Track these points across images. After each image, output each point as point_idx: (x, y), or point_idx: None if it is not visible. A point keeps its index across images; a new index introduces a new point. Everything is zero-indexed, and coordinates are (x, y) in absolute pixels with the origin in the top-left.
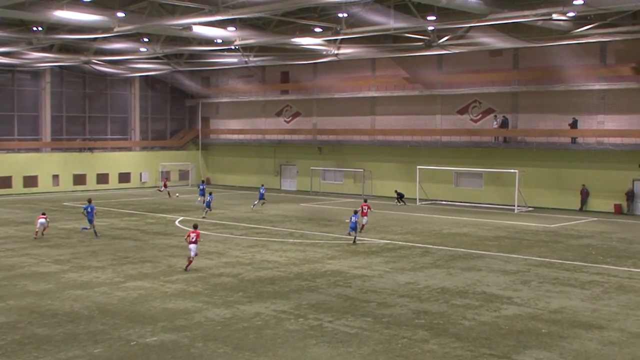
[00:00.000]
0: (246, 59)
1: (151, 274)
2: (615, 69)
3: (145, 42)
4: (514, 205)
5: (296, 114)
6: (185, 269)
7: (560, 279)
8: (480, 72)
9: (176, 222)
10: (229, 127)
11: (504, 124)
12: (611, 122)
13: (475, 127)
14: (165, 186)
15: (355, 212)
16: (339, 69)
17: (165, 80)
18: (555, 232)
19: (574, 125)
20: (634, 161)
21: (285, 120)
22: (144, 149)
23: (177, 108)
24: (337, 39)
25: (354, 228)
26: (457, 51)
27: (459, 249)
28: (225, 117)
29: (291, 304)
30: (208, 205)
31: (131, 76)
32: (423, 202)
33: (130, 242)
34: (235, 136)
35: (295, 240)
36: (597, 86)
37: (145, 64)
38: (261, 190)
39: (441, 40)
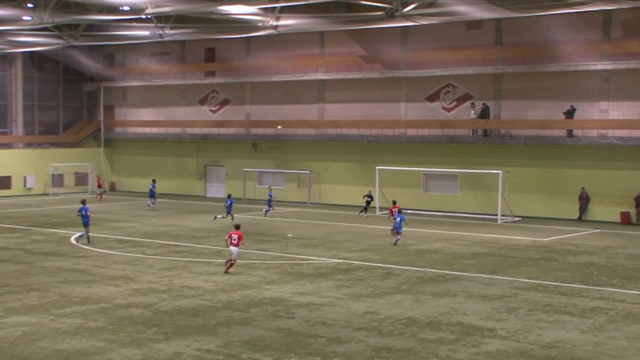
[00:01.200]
0: (161, 32)
1: (39, 305)
2: (622, 45)
3: (30, 8)
4: (497, 215)
5: (225, 102)
6: (226, 272)
7: (555, 305)
8: (455, 49)
9: (72, 239)
10: (139, 119)
11: (485, 114)
12: (617, 110)
13: (448, 117)
14: (99, 186)
15: (400, 211)
16: (278, 45)
17: (57, 59)
18: (548, 248)
19: (570, 114)
20: None
21: (211, 110)
22: (28, 145)
23: (72, 94)
24: (275, 7)
25: (399, 229)
26: (425, 23)
27: (429, 270)
28: (135, 106)
29: (219, 341)
30: (229, 211)
31: (11, 52)
32: (384, 212)
33: (11, 265)
34: (147, 129)
35: (225, 261)
36: (599, 66)
37: (30, 36)
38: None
39: (406, 9)
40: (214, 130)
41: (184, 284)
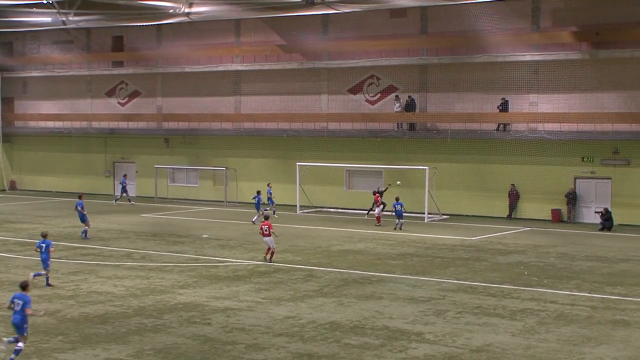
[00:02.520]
0: (64, 19)
1: None
2: (552, 35)
3: None
4: (424, 213)
5: (134, 94)
6: (270, 261)
7: (485, 307)
8: (379, 39)
9: None
10: (41, 112)
11: (410, 107)
12: (546, 103)
13: (372, 110)
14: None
15: (397, 199)
16: (191, 34)
17: None
18: (477, 247)
19: (504, 107)
20: (576, 154)
21: (119, 103)
22: None
23: None
24: None
25: (400, 215)
26: (347, 11)
27: (352, 271)
28: (36, 98)
29: (130, 350)
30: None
31: None
32: (305, 211)
33: None
34: (50, 124)
35: (135, 264)
36: (528, 57)
37: None
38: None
39: None
40: (123, 125)
41: (91, 289)
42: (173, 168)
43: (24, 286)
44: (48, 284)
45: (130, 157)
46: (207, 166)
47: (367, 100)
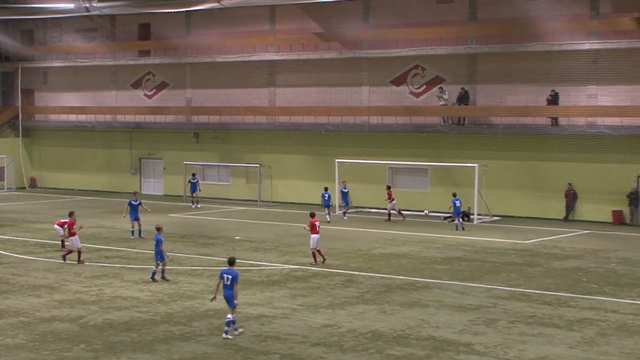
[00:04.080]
0: (87, 5)
1: None
2: (612, 21)
3: None
4: (473, 214)
5: (162, 86)
6: (324, 261)
7: (539, 316)
8: (424, 26)
9: None
10: (63, 104)
11: (463, 99)
12: (606, 95)
13: (417, 103)
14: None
15: (455, 195)
16: (222, 21)
17: None
18: (530, 251)
19: (553, 100)
20: (639, 150)
21: (145, 95)
22: None
23: None
24: None
25: (458, 213)
26: None
27: (396, 277)
28: (58, 90)
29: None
30: (327, 206)
31: None
32: (345, 211)
33: None
34: (72, 117)
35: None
36: (586, 45)
37: None
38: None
39: None
40: (150, 118)
41: (115, 293)
42: (203, 165)
43: (232, 261)
44: (163, 277)
45: (157, 153)
46: (239, 163)
47: (411, 92)
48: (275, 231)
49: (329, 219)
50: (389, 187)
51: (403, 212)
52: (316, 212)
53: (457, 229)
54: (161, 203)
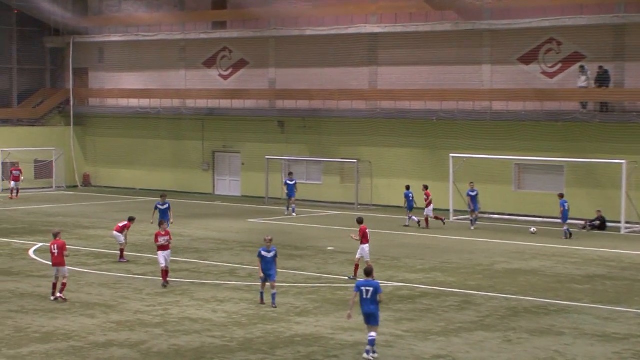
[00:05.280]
0: None
1: None
2: None
3: None
4: (620, 222)
5: (240, 64)
6: (354, 276)
7: None
8: None
9: (30, 252)
10: (121, 87)
11: (602, 81)
12: None
13: (550, 85)
14: (15, 178)
15: (562, 196)
16: None
17: (8, 3)
18: None
19: None
20: None
21: (221, 75)
22: None
23: (30, 52)
24: None
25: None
26: None
27: (523, 298)
28: (116, 69)
29: None
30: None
31: None
32: (460, 217)
33: None
34: (133, 102)
35: (240, 283)
36: None
37: None
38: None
39: None
40: (226, 103)
41: (184, 314)
42: (289, 160)
43: (370, 272)
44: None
45: (234, 146)
46: (333, 158)
47: (543, 72)
48: (376, 241)
49: (408, 223)
50: (426, 187)
51: (415, 218)
52: (390, 217)
53: (565, 237)
54: (238, 206)
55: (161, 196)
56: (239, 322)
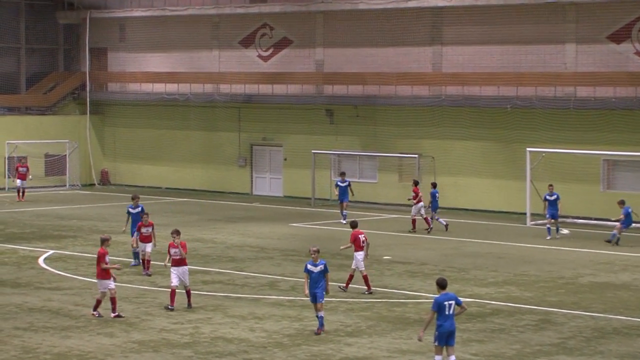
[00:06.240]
0: None
1: None
2: None
3: None
4: None
5: (282, 43)
6: (368, 292)
7: None
8: None
9: (40, 261)
10: (145, 69)
11: None
12: None
13: None
14: (21, 176)
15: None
16: None
17: None
18: None
19: None
20: None
21: (260, 56)
22: None
23: (40, 29)
24: None
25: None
26: None
27: (613, 316)
28: (139, 49)
29: None
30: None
31: None
32: (539, 222)
33: None
34: (158, 87)
35: (282, 297)
36: None
37: None
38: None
39: None
40: (265, 89)
41: (216, 333)
42: (339, 154)
43: (445, 284)
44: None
45: (275, 138)
46: (389, 152)
47: (637, 53)
48: (439, 249)
49: (431, 226)
50: (416, 184)
51: (443, 221)
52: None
53: (613, 242)
54: (280, 208)
55: (133, 198)
56: (280, 342)
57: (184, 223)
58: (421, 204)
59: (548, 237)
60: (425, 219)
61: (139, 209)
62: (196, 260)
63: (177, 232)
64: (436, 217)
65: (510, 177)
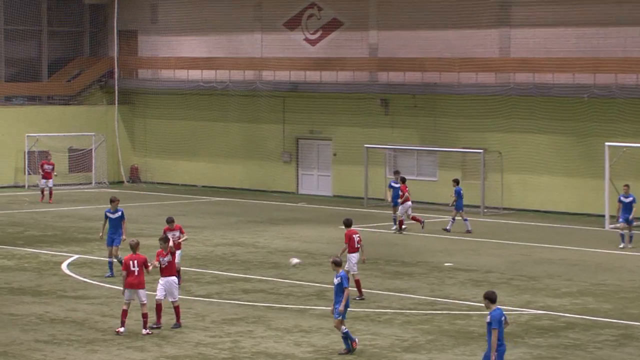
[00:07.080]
0: None
1: None
2: None
3: None
4: None
5: (332, 25)
6: (360, 297)
7: None
8: None
9: (63, 266)
10: (179, 54)
11: None
12: None
13: None
14: (46, 175)
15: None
16: None
17: None
18: None
19: None
20: None
21: (307, 39)
22: None
23: (63, 10)
24: None
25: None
26: None
27: None
28: (172, 32)
29: None
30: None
31: None
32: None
33: None
34: (194, 74)
35: (330, 308)
36: None
37: None
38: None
39: None
40: (313, 76)
41: (258, 347)
42: (395, 149)
43: (495, 298)
44: (349, 346)
45: (324, 131)
46: (451, 147)
47: None
48: (507, 255)
49: (449, 227)
50: (403, 180)
51: (469, 224)
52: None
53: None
54: (329, 208)
55: (111, 201)
56: (328, 358)
57: (222, 225)
58: (409, 203)
59: (621, 245)
60: (400, 220)
61: (119, 213)
62: (236, 266)
63: (165, 240)
64: (464, 218)
65: (586, 174)
